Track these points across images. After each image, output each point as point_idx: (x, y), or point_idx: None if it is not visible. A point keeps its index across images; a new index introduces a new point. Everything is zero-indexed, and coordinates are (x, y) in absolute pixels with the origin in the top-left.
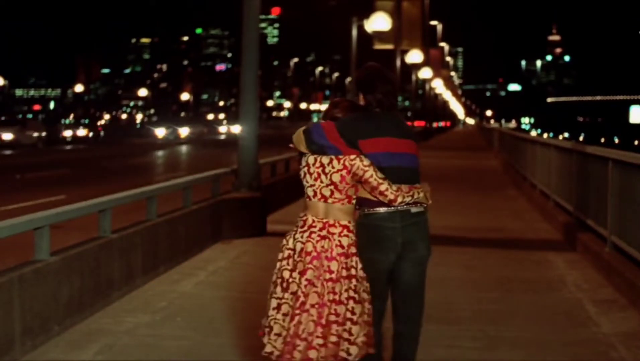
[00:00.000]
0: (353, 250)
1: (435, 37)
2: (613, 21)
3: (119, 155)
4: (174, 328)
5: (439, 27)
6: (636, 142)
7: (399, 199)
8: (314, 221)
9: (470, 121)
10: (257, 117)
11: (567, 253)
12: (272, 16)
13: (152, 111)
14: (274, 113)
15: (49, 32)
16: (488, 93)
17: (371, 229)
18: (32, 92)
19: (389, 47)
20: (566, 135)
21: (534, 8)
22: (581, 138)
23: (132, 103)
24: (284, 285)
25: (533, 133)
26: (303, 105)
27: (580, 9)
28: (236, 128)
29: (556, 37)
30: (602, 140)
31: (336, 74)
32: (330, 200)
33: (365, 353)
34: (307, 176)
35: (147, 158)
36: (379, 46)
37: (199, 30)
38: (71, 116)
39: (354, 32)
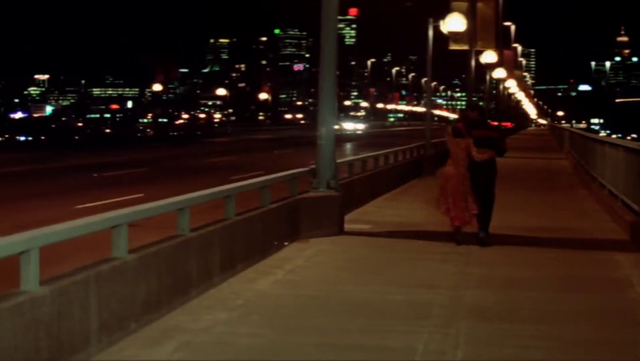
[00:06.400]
0: (467, 174)
1: (509, 37)
2: None
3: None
4: (250, 326)
5: (512, 28)
6: None
7: (477, 157)
8: (451, 163)
9: (543, 121)
10: (335, 117)
11: (633, 254)
12: (349, 17)
13: (230, 110)
14: (352, 113)
15: (127, 32)
16: (559, 94)
17: (473, 166)
18: (109, 91)
19: (464, 47)
20: (634, 135)
21: (603, 10)
22: None
23: (210, 103)
24: (444, 188)
25: (602, 134)
26: (380, 105)
27: None
28: None
29: (624, 38)
30: None
31: (412, 74)
32: (459, 154)
33: (468, 221)
34: (450, 146)
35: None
36: (454, 47)
37: (277, 31)
38: (149, 115)
39: (430, 33)
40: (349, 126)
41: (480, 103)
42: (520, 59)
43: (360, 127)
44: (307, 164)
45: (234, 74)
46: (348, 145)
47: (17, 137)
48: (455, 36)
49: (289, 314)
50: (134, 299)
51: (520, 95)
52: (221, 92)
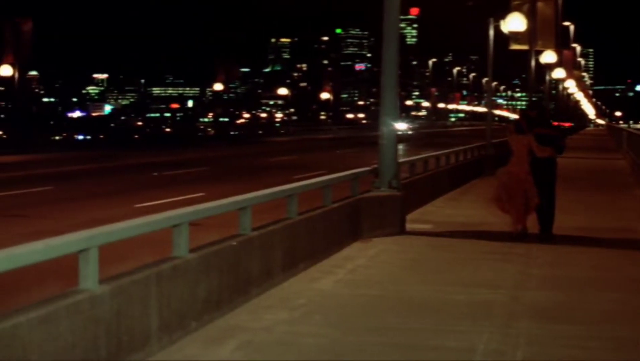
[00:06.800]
0: (530, 170)
1: (568, 37)
2: None
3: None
4: (312, 326)
5: (571, 28)
6: None
7: (539, 153)
8: (515, 161)
9: (601, 121)
10: (398, 117)
11: None
12: (410, 16)
13: (291, 110)
14: (413, 113)
15: (188, 31)
16: (617, 94)
17: (536, 163)
18: (169, 91)
19: (524, 47)
20: None
21: None
22: None
23: (272, 102)
24: (506, 185)
25: None
26: (441, 105)
27: None
28: None
29: None
30: None
31: (473, 74)
32: (521, 151)
33: (527, 215)
34: (512, 143)
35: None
36: (514, 46)
37: (338, 30)
38: (210, 115)
39: (491, 33)
40: (401, 126)
41: None
42: (579, 59)
43: (408, 126)
44: (369, 164)
45: (295, 74)
46: (400, 146)
47: (76, 136)
48: (515, 36)
49: (351, 313)
50: (195, 298)
51: (579, 96)
52: (283, 91)
